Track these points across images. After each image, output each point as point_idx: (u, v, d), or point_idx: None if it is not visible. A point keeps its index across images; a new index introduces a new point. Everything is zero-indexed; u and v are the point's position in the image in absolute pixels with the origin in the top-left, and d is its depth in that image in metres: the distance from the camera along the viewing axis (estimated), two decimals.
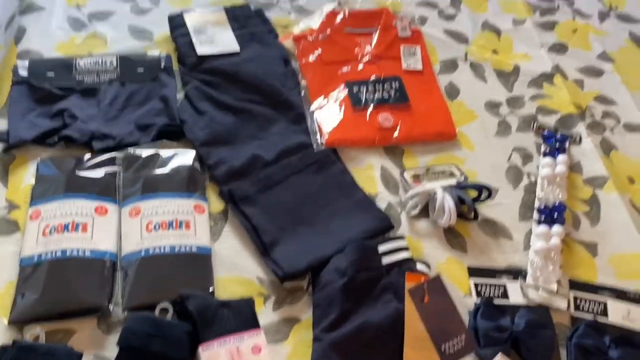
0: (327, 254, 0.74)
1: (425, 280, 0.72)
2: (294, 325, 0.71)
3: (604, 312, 0.75)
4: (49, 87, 0.87)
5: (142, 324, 0.64)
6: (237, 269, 0.74)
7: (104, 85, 0.89)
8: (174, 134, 0.84)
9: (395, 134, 0.90)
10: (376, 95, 0.93)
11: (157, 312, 0.67)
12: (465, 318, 0.73)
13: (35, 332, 0.65)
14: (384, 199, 0.84)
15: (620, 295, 0.77)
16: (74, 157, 0.80)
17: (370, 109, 0.91)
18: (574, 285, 0.78)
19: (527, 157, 0.91)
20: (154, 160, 0.80)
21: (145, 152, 0.81)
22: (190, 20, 0.98)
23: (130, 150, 0.81)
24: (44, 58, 0.94)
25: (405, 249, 0.76)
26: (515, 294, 0.76)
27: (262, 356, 0.65)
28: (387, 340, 0.68)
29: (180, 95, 0.91)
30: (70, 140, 0.82)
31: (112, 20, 1.02)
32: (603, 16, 1.16)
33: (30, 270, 0.68)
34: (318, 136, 0.87)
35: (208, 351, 0.64)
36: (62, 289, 0.67)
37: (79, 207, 0.74)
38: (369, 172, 0.86)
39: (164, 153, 0.81)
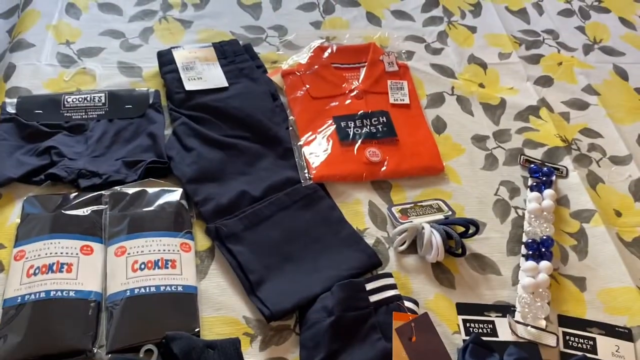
0: (315, 292, 0.74)
1: (412, 319, 0.71)
2: None
3: (594, 349, 0.75)
4: (37, 124, 0.87)
5: None
6: (223, 308, 0.74)
7: (92, 122, 0.90)
8: (161, 171, 0.85)
9: (383, 168, 0.90)
10: (364, 130, 0.94)
11: (141, 354, 0.66)
12: (454, 356, 0.72)
13: None
14: (372, 234, 0.84)
15: (609, 331, 0.77)
16: (61, 195, 0.80)
17: (358, 143, 0.92)
18: (563, 321, 0.78)
19: (514, 191, 0.92)
20: (140, 198, 0.80)
21: (131, 190, 0.81)
22: (179, 57, 0.99)
23: (117, 188, 0.81)
24: (32, 95, 0.94)
25: (393, 286, 0.75)
26: (504, 331, 0.75)
27: None
28: None
29: (168, 132, 0.91)
30: (57, 179, 0.82)
31: (101, 57, 1.03)
32: (587, 49, 1.18)
33: (13, 312, 0.68)
34: (306, 171, 0.87)
35: None
36: (45, 331, 0.66)
37: (64, 247, 0.73)
38: (356, 207, 0.87)
39: (151, 190, 0.81)
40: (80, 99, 0.91)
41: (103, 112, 0.91)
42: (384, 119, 0.95)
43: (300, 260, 0.78)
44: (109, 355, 0.67)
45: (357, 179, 0.89)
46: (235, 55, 1.01)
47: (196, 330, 0.70)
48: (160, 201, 0.80)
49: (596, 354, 0.74)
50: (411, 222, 0.83)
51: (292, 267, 0.77)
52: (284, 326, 0.73)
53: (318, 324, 0.70)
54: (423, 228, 0.81)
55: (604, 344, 0.75)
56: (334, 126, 0.94)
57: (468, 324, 0.76)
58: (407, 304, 0.75)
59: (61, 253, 0.73)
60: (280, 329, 0.73)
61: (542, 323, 0.76)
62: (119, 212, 0.79)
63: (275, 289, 0.74)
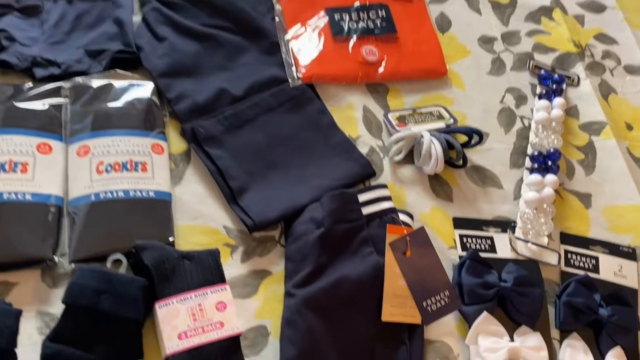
0: (302, 202, 0.67)
1: (408, 233, 0.66)
2: (264, 279, 0.65)
3: (596, 268, 0.71)
4: None
5: (90, 278, 0.56)
6: (201, 217, 0.67)
7: (47, 3, 0.77)
8: (129, 62, 0.74)
9: (381, 69, 0.81)
10: (360, 25, 0.83)
11: (108, 264, 0.60)
12: (450, 273, 0.67)
13: None
14: (365, 142, 0.76)
15: (613, 250, 0.72)
16: (12, 85, 0.69)
17: (354, 40, 0.82)
18: (566, 238, 0.73)
19: (521, 99, 0.84)
20: (106, 91, 0.70)
21: (96, 83, 0.71)
22: None
23: (79, 79, 0.71)
24: None
25: (388, 198, 0.69)
26: (503, 248, 0.71)
27: (227, 313, 0.59)
28: (365, 296, 0.62)
29: (137, 18, 0.79)
30: (6, 66, 0.71)
31: None
32: None
33: None
34: (294, 70, 0.78)
35: (165, 308, 0.58)
36: None
37: (18, 144, 0.64)
38: (349, 113, 0.78)
39: (118, 84, 0.71)
40: None
41: None
42: (383, 12, 0.85)
43: (286, 168, 0.71)
44: (72, 264, 0.60)
45: (352, 81, 0.80)
46: None
47: (170, 240, 0.63)
48: (129, 96, 0.70)
49: (598, 273, 0.70)
50: (409, 129, 0.75)
51: (277, 175, 0.70)
52: (268, 237, 0.67)
53: (305, 236, 0.64)
54: (422, 136, 0.74)
55: (607, 263, 0.71)
56: (327, 18, 0.83)
57: (465, 239, 0.70)
58: (402, 217, 0.69)
59: (14, 151, 0.64)
60: (264, 240, 0.67)
61: (544, 240, 0.72)
62: (81, 107, 0.69)
63: (258, 198, 0.67)
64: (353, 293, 0.62)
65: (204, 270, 0.61)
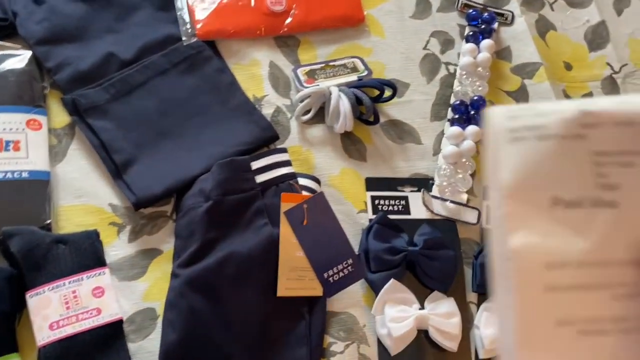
0: (193, 173, 0.62)
1: (304, 200, 0.61)
2: (154, 259, 0.60)
3: None
4: None
5: None
6: (85, 195, 0.62)
7: None
8: (3, 30, 0.68)
9: (288, 20, 0.74)
10: None
11: None
12: (359, 238, 0.63)
13: None
14: (271, 102, 0.70)
15: None
16: None
17: None
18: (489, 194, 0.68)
19: (447, 43, 0.77)
20: None
21: None
22: None
23: None
24: None
25: (286, 163, 0.64)
26: (418, 208, 0.66)
27: (105, 299, 0.55)
28: (257, 272, 0.58)
29: None
30: None
31: None
32: None
33: None
34: (188, 26, 0.71)
35: (36, 298, 0.54)
36: None
37: None
38: (254, 70, 0.72)
39: None
40: None
41: None
42: None
43: (180, 136, 0.65)
44: None
45: (254, 35, 0.73)
46: None
47: (47, 222, 0.59)
48: (1, 68, 0.64)
49: None
50: (317, 85, 0.69)
51: (170, 144, 0.65)
52: (159, 213, 0.62)
53: (193, 210, 0.60)
54: (330, 92, 0.68)
55: None
56: None
57: (377, 201, 0.65)
58: (306, 182, 0.64)
59: None
60: (155, 216, 0.62)
61: (464, 197, 0.66)
62: None
63: (146, 171, 0.62)
64: (244, 269, 0.57)
65: (80, 254, 0.57)
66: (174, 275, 0.58)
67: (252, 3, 0.74)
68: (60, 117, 0.66)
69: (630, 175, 0.24)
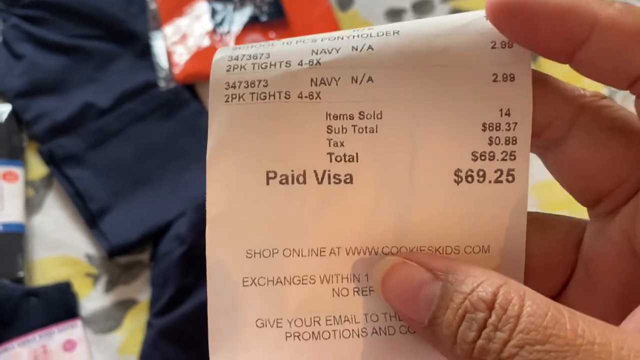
0: (168, 217, 0.60)
1: None
2: (130, 309, 0.58)
3: None
4: None
5: None
6: (61, 247, 0.61)
7: None
8: None
9: None
10: (245, 13, 0.76)
11: None
12: None
13: None
14: None
15: None
16: None
17: (237, 32, 0.75)
18: None
19: None
20: None
21: None
22: None
23: None
24: None
25: None
26: None
27: (76, 354, 0.53)
28: None
29: None
30: None
31: None
32: None
33: None
34: (166, 71, 0.71)
35: (5, 354, 0.52)
36: None
37: None
38: None
39: None
40: None
41: None
42: None
43: (159, 181, 0.64)
44: None
45: None
46: None
47: (20, 275, 0.57)
48: None
49: None
50: None
51: (147, 190, 0.63)
52: (135, 261, 0.60)
53: (168, 255, 0.57)
54: None
55: None
56: (206, 10, 0.76)
57: None
58: None
59: None
60: (130, 265, 0.60)
61: None
62: None
63: (121, 219, 0.61)
64: None
65: (51, 307, 0.55)
66: (149, 325, 0.55)
67: (233, 45, 0.74)
68: (38, 168, 0.65)
69: (369, 142, 0.18)
